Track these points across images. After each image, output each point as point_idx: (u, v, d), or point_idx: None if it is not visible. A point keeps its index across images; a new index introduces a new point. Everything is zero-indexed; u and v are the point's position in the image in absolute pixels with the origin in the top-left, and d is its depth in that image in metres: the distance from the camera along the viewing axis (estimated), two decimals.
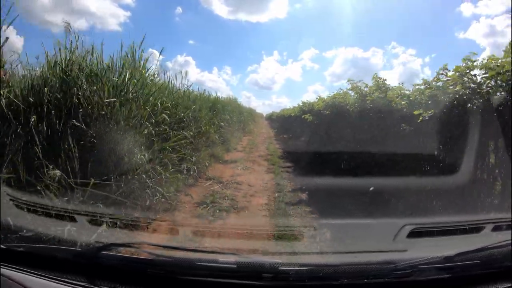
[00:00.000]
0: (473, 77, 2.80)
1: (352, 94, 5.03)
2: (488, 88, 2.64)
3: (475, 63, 2.80)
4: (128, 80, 3.42)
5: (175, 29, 18.86)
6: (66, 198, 2.45)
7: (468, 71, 2.83)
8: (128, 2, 19.93)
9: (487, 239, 1.56)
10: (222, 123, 8.11)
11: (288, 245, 2.58)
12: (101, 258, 1.18)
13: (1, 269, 1.11)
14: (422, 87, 3.42)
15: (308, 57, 21.40)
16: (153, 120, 3.68)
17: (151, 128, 3.55)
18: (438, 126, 2.98)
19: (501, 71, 2.49)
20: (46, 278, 1.11)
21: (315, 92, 19.18)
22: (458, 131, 2.78)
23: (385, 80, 4.38)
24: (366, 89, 4.68)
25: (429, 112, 2.99)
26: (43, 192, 2.39)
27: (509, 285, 1.06)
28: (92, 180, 2.63)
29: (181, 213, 3.34)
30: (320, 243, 2.61)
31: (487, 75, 2.61)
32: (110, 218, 2.62)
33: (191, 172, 4.39)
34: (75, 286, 1.08)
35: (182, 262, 1.20)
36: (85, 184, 2.63)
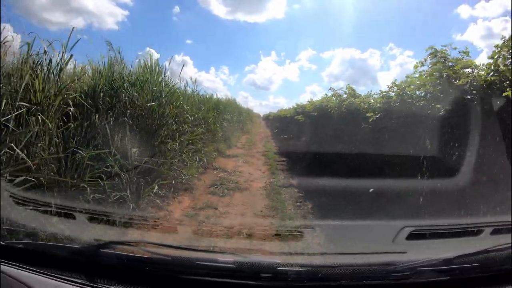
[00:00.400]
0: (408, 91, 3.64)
1: (334, 99, 5.90)
2: (412, 100, 3.49)
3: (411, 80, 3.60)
4: (162, 89, 4.41)
5: (172, 29, 18.89)
6: (124, 172, 3.27)
7: (408, 86, 3.62)
8: (126, 1, 19.97)
9: (486, 242, 1.56)
10: (224, 123, 8.90)
11: (288, 246, 2.58)
12: (100, 256, 1.18)
13: (1, 266, 1.11)
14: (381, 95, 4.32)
15: (306, 58, 21.39)
16: (177, 119, 4.67)
17: (176, 126, 4.55)
18: (382, 125, 3.88)
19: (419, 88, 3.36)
20: (46, 276, 1.11)
21: (312, 92, 19.30)
22: (394, 128, 3.67)
23: (355, 89, 5.33)
24: (345, 95, 5.49)
25: (378, 115, 3.87)
26: (110, 166, 3.17)
27: None
28: (144, 159, 3.60)
29: (198, 191, 4.16)
30: (319, 244, 2.61)
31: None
32: (109, 216, 2.65)
33: (201, 163, 5.27)
34: (74, 283, 1.08)
35: (181, 261, 1.20)
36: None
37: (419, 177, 3.15)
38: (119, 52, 4.15)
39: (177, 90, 5.06)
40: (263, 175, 5.34)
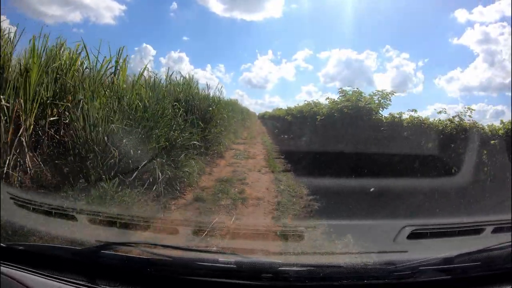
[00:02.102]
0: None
1: (307, 107, 8.62)
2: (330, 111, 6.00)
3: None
4: (214, 100, 7.90)
5: (169, 25, 18.88)
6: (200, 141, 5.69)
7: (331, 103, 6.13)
8: None
9: (487, 240, 1.56)
10: (234, 120, 11.95)
11: (288, 245, 2.58)
12: (101, 257, 1.18)
13: (2, 267, 1.11)
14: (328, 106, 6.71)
15: (302, 58, 21.33)
16: (218, 116, 7.83)
17: (218, 121, 7.78)
18: (323, 123, 6.25)
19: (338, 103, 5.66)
20: (46, 277, 1.10)
21: (308, 92, 19.23)
22: (329, 126, 5.92)
23: (318, 102, 7.99)
24: (313, 104, 8.33)
25: (321, 117, 6.31)
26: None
27: (510, 287, 1.05)
28: (210, 135, 6.70)
29: (227, 158, 7.09)
30: (319, 243, 2.61)
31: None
32: (106, 217, 2.65)
33: (224, 145, 8.10)
34: (75, 285, 1.08)
35: (182, 261, 1.19)
36: (206, 136, 6.53)
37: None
38: (192, 75, 7.56)
39: (220, 100, 8.44)
40: (262, 153, 8.57)
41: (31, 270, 1.12)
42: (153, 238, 2.51)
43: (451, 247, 1.39)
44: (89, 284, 1.08)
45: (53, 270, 1.13)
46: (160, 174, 3.69)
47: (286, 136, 10.95)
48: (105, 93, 3.94)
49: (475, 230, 1.73)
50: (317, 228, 2.99)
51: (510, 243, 1.18)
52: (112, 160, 3.39)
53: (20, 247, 1.24)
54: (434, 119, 3.95)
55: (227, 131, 8.98)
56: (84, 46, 4.06)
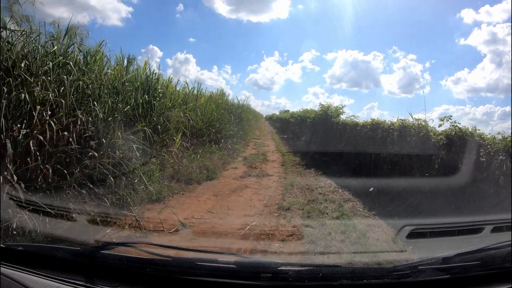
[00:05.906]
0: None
1: (303, 112, 11.92)
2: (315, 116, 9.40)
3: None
4: (244, 107, 13.84)
5: (176, 26, 18.91)
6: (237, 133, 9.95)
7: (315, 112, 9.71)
8: None
9: (487, 240, 1.56)
10: (252, 122, 16.38)
11: (288, 245, 2.58)
12: (100, 258, 1.18)
13: (1, 268, 1.11)
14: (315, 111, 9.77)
15: (309, 59, 21.30)
16: (246, 118, 13.36)
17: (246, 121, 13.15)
18: (311, 124, 9.64)
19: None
20: (46, 277, 1.10)
21: (315, 94, 19.34)
22: (314, 125, 9.49)
23: (311, 109, 11.03)
24: (307, 111, 11.32)
25: (310, 120, 9.71)
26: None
27: (509, 286, 1.05)
28: (241, 132, 10.56)
29: (251, 145, 10.86)
30: (319, 242, 2.62)
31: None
32: (107, 217, 2.66)
33: (248, 138, 11.61)
34: (74, 285, 1.08)
35: (181, 261, 1.19)
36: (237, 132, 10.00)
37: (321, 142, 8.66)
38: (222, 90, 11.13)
39: (246, 106, 13.20)
40: (273, 144, 12.30)
41: (30, 271, 1.12)
42: (237, 166, 6.68)
43: (451, 246, 1.39)
44: (89, 285, 1.08)
45: (53, 270, 1.13)
46: (229, 146, 8.00)
47: (289, 133, 14.69)
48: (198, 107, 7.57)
49: (475, 230, 1.73)
50: (316, 227, 3.00)
51: (509, 242, 1.18)
52: (211, 137, 7.32)
53: (20, 248, 1.24)
54: (351, 120, 7.04)
55: (249, 129, 13.67)
56: (187, 83, 8.61)
